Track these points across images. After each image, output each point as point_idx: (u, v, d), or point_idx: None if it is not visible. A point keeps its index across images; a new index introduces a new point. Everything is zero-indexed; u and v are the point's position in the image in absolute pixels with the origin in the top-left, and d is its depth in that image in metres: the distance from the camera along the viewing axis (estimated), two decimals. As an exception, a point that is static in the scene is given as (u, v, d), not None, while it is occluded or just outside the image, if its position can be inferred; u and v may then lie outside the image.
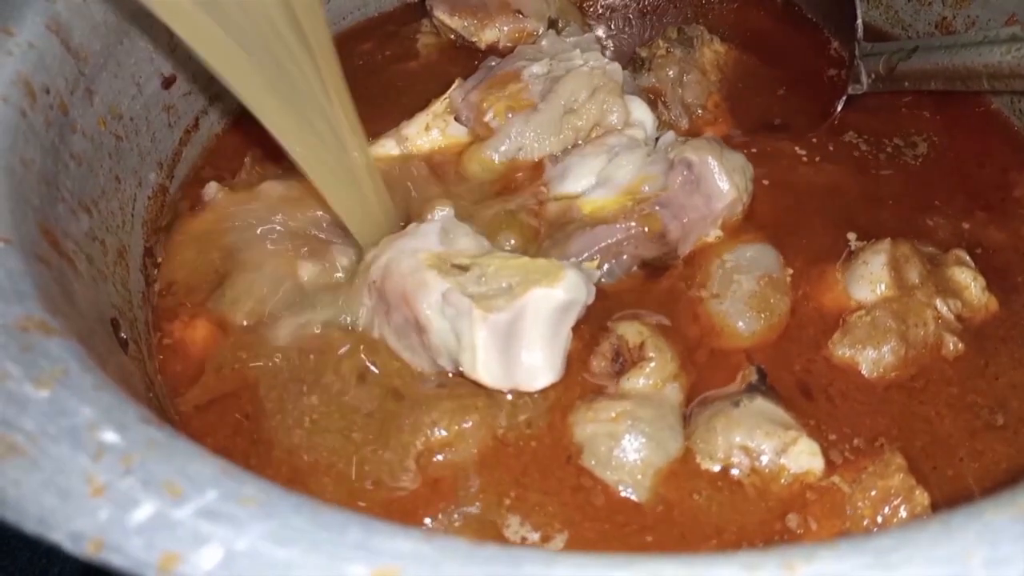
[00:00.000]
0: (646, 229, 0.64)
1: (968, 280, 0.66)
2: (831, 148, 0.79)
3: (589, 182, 0.67)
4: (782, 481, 0.54)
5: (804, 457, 0.54)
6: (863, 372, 0.61)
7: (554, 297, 0.55)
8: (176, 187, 0.73)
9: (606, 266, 0.65)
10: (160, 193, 0.70)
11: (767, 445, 0.54)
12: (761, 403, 0.56)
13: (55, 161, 0.56)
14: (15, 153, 0.51)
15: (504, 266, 0.56)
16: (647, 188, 0.66)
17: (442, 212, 0.61)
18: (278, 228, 0.65)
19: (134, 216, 0.66)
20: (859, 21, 0.82)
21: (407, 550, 0.33)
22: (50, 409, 0.38)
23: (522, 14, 0.91)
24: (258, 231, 0.65)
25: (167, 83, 0.71)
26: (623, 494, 0.54)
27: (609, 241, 0.64)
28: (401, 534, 0.33)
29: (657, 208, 0.65)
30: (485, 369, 0.54)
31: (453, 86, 0.76)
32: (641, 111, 0.71)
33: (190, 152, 0.75)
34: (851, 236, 0.69)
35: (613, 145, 0.68)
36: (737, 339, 0.63)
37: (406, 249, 0.58)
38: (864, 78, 0.81)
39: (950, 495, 0.55)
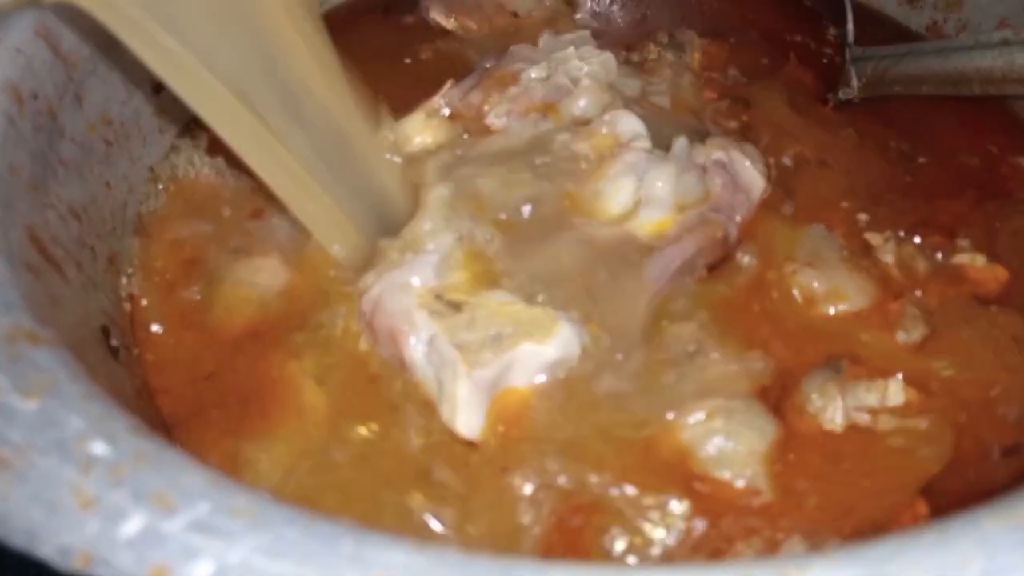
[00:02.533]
0: (711, 238, 0.65)
1: (970, 261, 0.67)
2: (827, 138, 0.78)
3: (627, 204, 0.66)
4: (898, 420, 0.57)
5: (899, 394, 0.57)
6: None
7: (543, 354, 0.55)
8: (167, 191, 0.72)
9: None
10: (152, 198, 0.70)
11: (872, 396, 0.57)
12: (847, 365, 0.60)
13: (44, 167, 0.55)
14: (3, 159, 0.51)
15: (498, 312, 0.56)
16: (692, 198, 0.66)
17: (441, 240, 0.59)
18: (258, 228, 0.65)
19: (125, 222, 0.65)
20: (850, 26, 0.83)
21: (400, 561, 0.32)
22: (38, 421, 0.37)
23: (517, 15, 0.91)
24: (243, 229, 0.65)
25: (157, 88, 0.70)
26: (746, 486, 0.54)
27: (685, 259, 0.64)
28: (394, 545, 0.33)
29: (712, 215, 0.66)
30: (463, 423, 0.54)
31: (446, 86, 0.76)
32: (633, 123, 0.70)
33: (182, 157, 0.74)
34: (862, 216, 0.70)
35: (633, 163, 0.66)
36: (845, 301, 0.64)
37: (399, 284, 0.57)
38: (855, 82, 0.81)
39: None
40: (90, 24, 0.61)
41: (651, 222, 0.65)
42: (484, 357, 0.54)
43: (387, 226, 0.62)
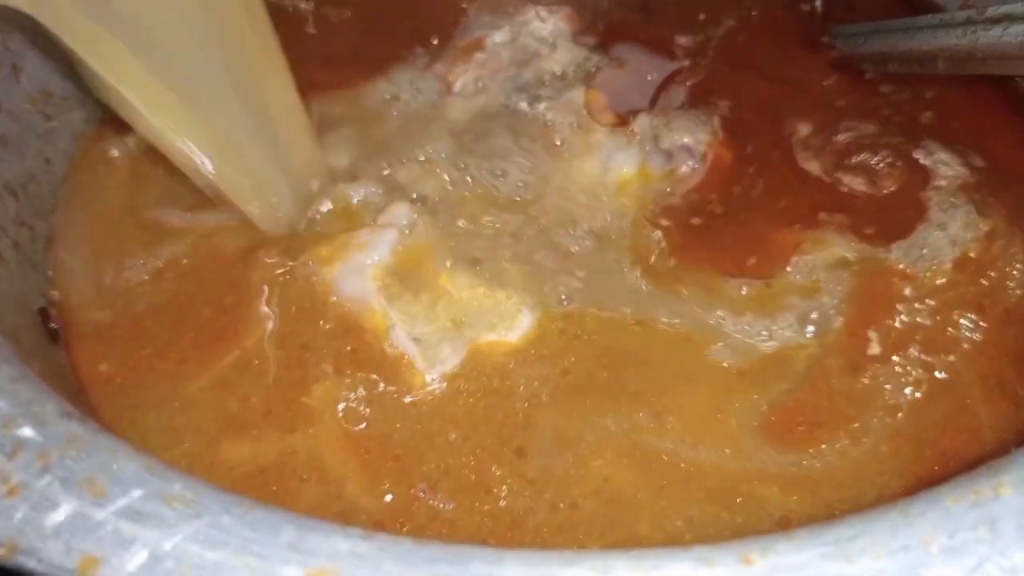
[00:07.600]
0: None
1: None
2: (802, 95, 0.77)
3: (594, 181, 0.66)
4: None
5: None
6: None
7: (505, 343, 0.54)
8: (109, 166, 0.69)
9: None
10: (91, 173, 0.67)
11: None
12: None
13: (-22, 142, 0.53)
14: (-68, 134, 0.48)
15: (459, 297, 0.55)
16: (658, 174, 0.66)
17: (399, 213, 0.58)
18: None
19: (66, 199, 0.62)
20: (817, 2, 0.82)
21: (344, 550, 0.31)
22: (-38, 404, 0.35)
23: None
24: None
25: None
26: None
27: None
28: (338, 533, 0.31)
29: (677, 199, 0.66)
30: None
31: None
32: (589, 96, 0.70)
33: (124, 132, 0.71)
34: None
35: (598, 145, 0.66)
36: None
37: (355, 266, 0.55)
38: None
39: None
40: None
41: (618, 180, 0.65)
42: (443, 353, 0.53)
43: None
